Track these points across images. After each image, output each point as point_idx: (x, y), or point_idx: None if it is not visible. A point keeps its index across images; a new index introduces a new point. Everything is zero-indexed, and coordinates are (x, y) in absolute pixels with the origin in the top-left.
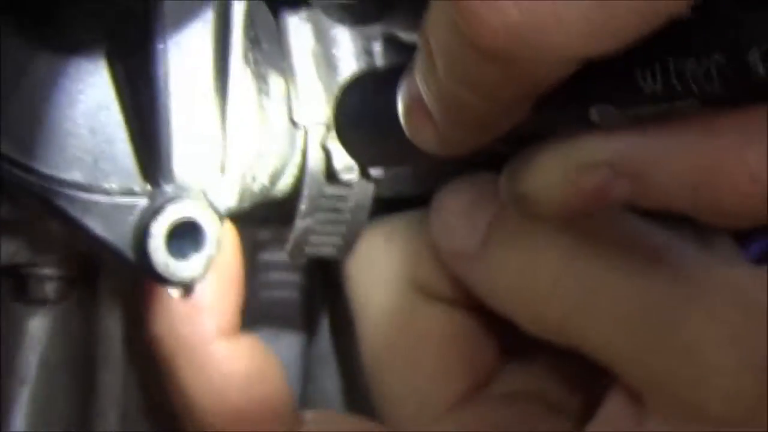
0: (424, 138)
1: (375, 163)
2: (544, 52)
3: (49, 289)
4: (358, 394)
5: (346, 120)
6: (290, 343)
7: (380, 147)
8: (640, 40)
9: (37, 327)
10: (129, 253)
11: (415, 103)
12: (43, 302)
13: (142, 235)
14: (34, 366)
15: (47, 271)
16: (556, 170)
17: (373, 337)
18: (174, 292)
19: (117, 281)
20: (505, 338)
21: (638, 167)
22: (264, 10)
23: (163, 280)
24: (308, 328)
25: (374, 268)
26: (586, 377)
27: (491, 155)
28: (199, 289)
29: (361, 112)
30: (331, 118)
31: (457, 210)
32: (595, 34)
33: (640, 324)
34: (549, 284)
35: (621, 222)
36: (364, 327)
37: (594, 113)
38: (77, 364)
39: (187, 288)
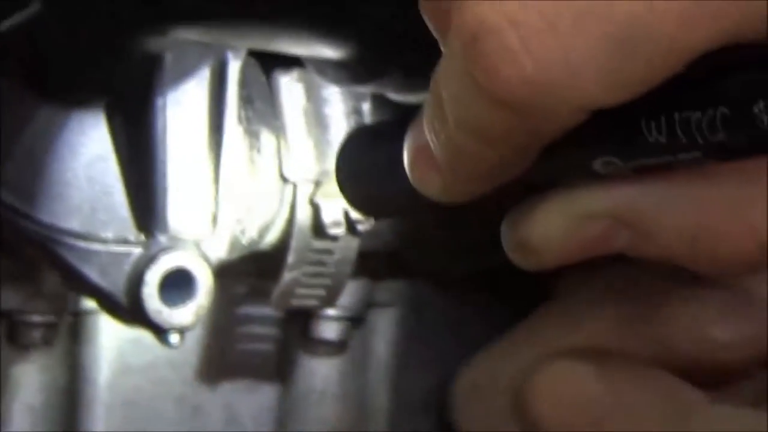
0: (429, 186)
1: (376, 213)
2: (556, 103)
3: (36, 335)
4: None
5: (347, 170)
6: (265, 393)
7: (383, 196)
8: (646, 92)
9: (23, 372)
10: (123, 300)
11: (421, 152)
12: (30, 347)
13: (136, 282)
14: (18, 410)
15: (35, 317)
16: (557, 219)
17: None
18: (174, 338)
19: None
20: None
21: (638, 219)
22: (257, 69)
23: (156, 327)
24: (283, 379)
25: None
26: None
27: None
28: None
29: (364, 161)
30: (320, 175)
31: None
32: (608, 86)
33: None
34: None
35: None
36: None
37: (598, 164)
38: (60, 409)
39: (181, 335)
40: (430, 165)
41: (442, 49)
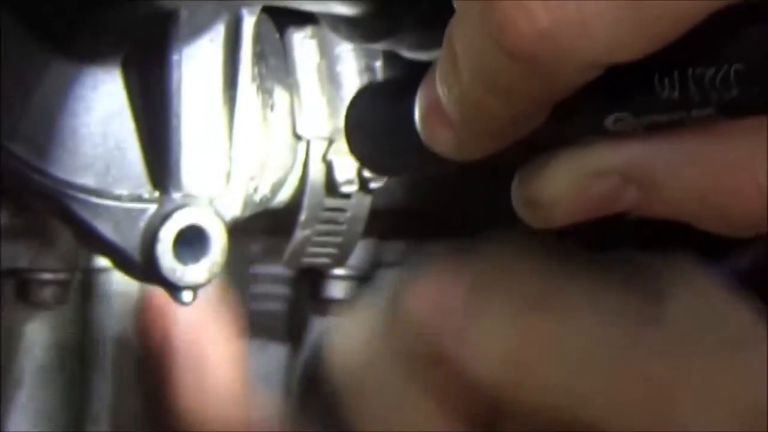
0: (441, 142)
1: (385, 171)
2: (570, 56)
3: (48, 293)
4: None
5: (357, 127)
6: (276, 353)
7: (392, 153)
8: (659, 48)
9: (34, 331)
10: (137, 257)
11: (433, 108)
12: (41, 306)
13: (150, 239)
14: (29, 370)
15: (46, 275)
16: (566, 176)
17: None
18: (187, 296)
19: (111, 286)
20: None
21: (647, 176)
22: (270, 26)
23: (170, 285)
24: (293, 339)
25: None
26: None
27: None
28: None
29: (374, 118)
30: (333, 132)
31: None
32: (622, 40)
33: None
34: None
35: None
36: None
37: (609, 121)
38: (71, 368)
39: (194, 293)
40: (441, 121)
41: (454, 4)
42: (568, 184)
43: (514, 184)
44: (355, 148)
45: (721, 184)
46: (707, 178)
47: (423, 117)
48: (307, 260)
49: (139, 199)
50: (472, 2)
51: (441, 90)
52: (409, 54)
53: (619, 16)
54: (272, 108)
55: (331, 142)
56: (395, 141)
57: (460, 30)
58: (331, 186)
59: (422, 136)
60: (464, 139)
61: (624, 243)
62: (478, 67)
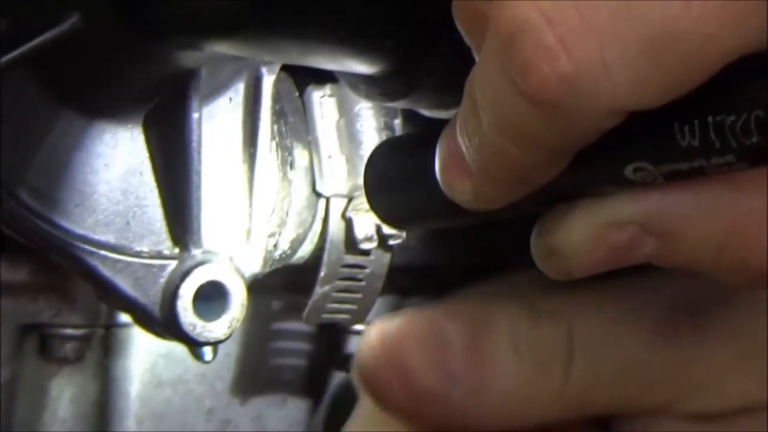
0: (461, 192)
1: (405, 225)
2: (592, 102)
3: (68, 348)
4: None
5: (376, 181)
6: (296, 408)
7: (412, 206)
8: (679, 96)
9: (56, 386)
10: (157, 313)
11: (453, 157)
12: (63, 361)
13: (170, 296)
14: (50, 423)
15: (68, 331)
16: (586, 226)
17: None
18: (207, 354)
19: (132, 342)
20: None
21: (665, 227)
22: (290, 84)
23: (190, 341)
24: (313, 394)
25: None
26: None
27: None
28: None
29: (393, 172)
30: (353, 190)
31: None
32: (644, 87)
33: None
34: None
35: None
36: None
37: (629, 170)
38: (93, 422)
39: (213, 349)
40: (461, 170)
41: (474, 55)
42: (588, 234)
43: (533, 235)
44: (374, 203)
45: (738, 236)
46: (725, 229)
47: (443, 167)
48: (327, 316)
49: (160, 255)
50: (494, 47)
51: (461, 139)
52: (428, 112)
53: (640, 63)
54: (292, 166)
55: (350, 199)
56: (415, 194)
57: (481, 76)
58: (350, 243)
59: (442, 186)
60: (483, 188)
61: None
62: (498, 114)
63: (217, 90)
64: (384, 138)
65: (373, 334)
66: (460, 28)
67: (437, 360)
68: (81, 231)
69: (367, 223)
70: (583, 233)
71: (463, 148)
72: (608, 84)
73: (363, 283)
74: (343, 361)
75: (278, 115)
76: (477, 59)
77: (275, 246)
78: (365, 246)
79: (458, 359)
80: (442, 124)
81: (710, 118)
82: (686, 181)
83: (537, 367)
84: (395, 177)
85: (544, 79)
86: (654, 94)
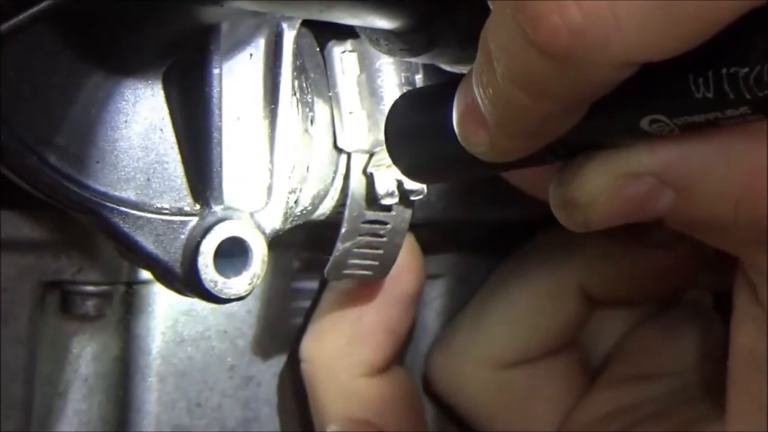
0: (477, 143)
1: (424, 178)
2: (603, 53)
3: (90, 305)
4: None
5: (396, 133)
6: None
7: (431, 158)
8: (693, 48)
9: (77, 343)
10: (178, 269)
11: (469, 109)
12: (84, 318)
13: (191, 252)
14: (72, 380)
15: (89, 288)
16: (603, 177)
17: None
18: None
19: (153, 298)
20: None
21: (682, 179)
22: (310, 40)
23: (211, 297)
24: None
25: None
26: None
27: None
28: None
29: (412, 124)
30: (374, 145)
31: None
32: (655, 38)
33: None
34: None
35: None
36: None
37: (645, 122)
38: (114, 379)
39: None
40: (478, 122)
41: (489, 4)
42: (605, 185)
43: (552, 186)
44: (394, 155)
45: (757, 187)
46: (743, 182)
47: (459, 119)
48: (348, 272)
49: (180, 212)
50: (506, 1)
51: (477, 90)
52: (448, 67)
53: (651, 14)
54: (312, 121)
55: (371, 155)
56: (434, 145)
57: (495, 29)
58: (371, 198)
59: (459, 137)
60: (499, 139)
61: None
62: (511, 66)
63: (237, 46)
64: None
65: None
66: None
67: None
68: (102, 188)
69: (388, 179)
70: (601, 184)
71: (479, 100)
72: (619, 35)
73: (384, 239)
74: None
75: (299, 70)
76: (492, 9)
77: (296, 202)
78: (386, 202)
79: None
80: (461, 77)
81: (724, 70)
82: (703, 133)
83: None
84: (415, 129)
85: (555, 30)
86: (666, 45)
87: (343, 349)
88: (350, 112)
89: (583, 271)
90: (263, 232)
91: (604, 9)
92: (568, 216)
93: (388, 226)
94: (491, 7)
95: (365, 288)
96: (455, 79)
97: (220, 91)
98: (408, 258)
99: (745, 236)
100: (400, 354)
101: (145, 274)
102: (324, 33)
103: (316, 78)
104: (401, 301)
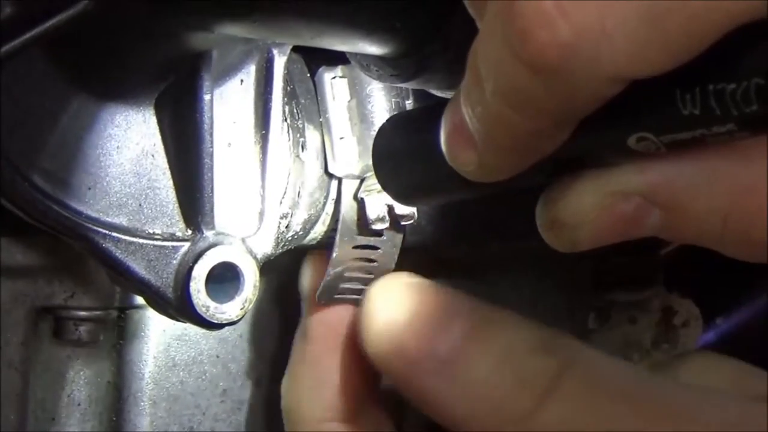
0: (465, 162)
1: (412, 200)
2: (591, 69)
3: (83, 330)
4: None
5: (384, 156)
6: None
7: (419, 180)
8: (681, 65)
9: (70, 368)
10: (170, 294)
11: (457, 129)
12: (77, 343)
13: (183, 277)
14: (64, 405)
15: (81, 313)
16: (591, 196)
17: None
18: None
19: (145, 323)
20: None
21: (670, 198)
22: (301, 66)
23: (203, 322)
24: None
25: None
26: None
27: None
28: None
29: (400, 146)
30: (364, 170)
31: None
32: (643, 54)
33: None
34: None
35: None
36: None
37: (632, 140)
38: (107, 404)
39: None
40: (466, 141)
41: (478, 24)
42: (593, 204)
43: (539, 206)
44: (383, 177)
45: (744, 205)
46: (730, 199)
47: (447, 138)
48: (339, 297)
49: (172, 237)
50: (494, 17)
51: (465, 109)
52: (438, 92)
53: (640, 28)
54: (303, 147)
55: (362, 180)
56: (422, 167)
57: (483, 46)
58: (362, 223)
59: (447, 157)
60: (487, 158)
61: None
62: (500, 82)
63: (228, 72)
64: None
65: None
66: None
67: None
68: (94, 213)
69: (379, 204)
70: (589, 203)
71: (467, 119)
72: (608, 50)
73: (375, 264)
74: None
75: (290, 96)
76: (480, 27)
77: (287, 227)
78: (377, 226)
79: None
80: (447, 101)
81: (711, 86)
82: (690, 151)
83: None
84: (403, 151)
85: (543, 46)
86: (655, 61)
87: (308, 393)
88: (341, 138)
89: None
90: (255, 257)
91: (593, 23)
92: (556, 236)
93: (379, 250)
94: (479, 25)
95: None
96: (441, 102)
97: (212, 117)
98: None
99: (732, 253)
100: (377, 393)
101: (138, 299)
102: (315, 59)
103: (306, 104)
104: None
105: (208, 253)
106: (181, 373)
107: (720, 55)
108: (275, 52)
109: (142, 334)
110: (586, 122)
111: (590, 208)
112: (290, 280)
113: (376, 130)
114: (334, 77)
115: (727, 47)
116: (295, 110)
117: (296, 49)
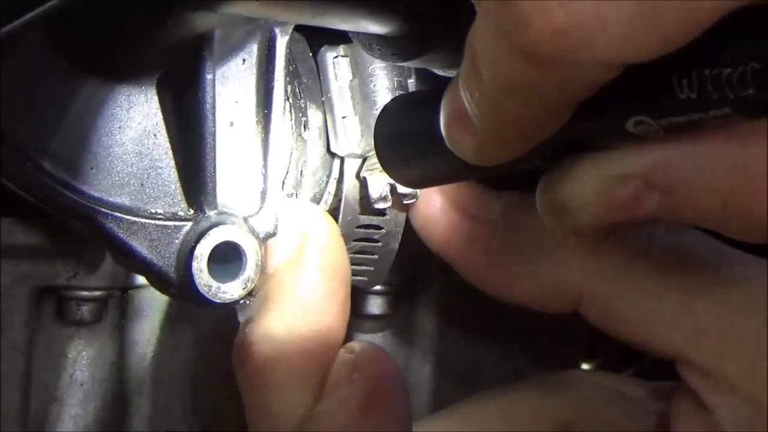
0: (464, 147)
1: (413, 181)
2: (587, 55)
3: (85, 310)
4: None
5: (386, 138)
6: None
7: (420, 162)
8: (677, 50)
9: (73, 348)
10: (172, 274)
11: (456, 113)
12: (80, 323)
13: (186, 257)
14: (67, 386)
15: (84, 293)
16: (590, 180)
17: None
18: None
19: (148, 303)
20: None
21: (669, 181)
22: (303, 45)
23: (205, 301)
24: None
25: None
26: None
27: (525, 172)
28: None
29: (402, 128)
30: (366, 150)
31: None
32: (639, 39)
33: None
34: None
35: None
36: None
37: (630, 124)
38: (110, 384)
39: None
40: (465, 125)
41: (476, 8)
42: (592, 188)
43: (538, 190)
44: (384, 159)
45: (743, 187)
46: (729, 179)
47: (447, 122)
48: None
49: (175, 217)
50: (490, 3)
51: (463, 94)
52: (441, 72)
53: (635, 15)
54: (306, 126)
55: (364, 159)
56: (423, 149)
57: (480, 33)
58: (365, 203)
59: (447, 141)
60: (486, 143)
61: None
62: (496, 69)
63: (230, 52)
64: None
65: None
66: None
67: None
68: (96, 193)
69: (381, 183)
70: (588, 187)
71: (466, 104)
72: (604, 35)
73: (379, 244)
74: (362, 322)
75: (292, 76)
76: (477, 13)
77: None
78: (380, 206)
79: None
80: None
81: (707, 71)
82: (688, 134)
83: None
84: (404, 133)
85: (539, 33)
86: (650, 45)
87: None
88: (343, 117)
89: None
90: (257, 237)
91: (588, 9)
92: (557, 220)
93: (383, 230)
94: (476, 10)
95: None
96: (445, 84)
97: (214, 97)
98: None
99: (733, 234)
100: None
101: (141, 279)
102: (317, 38)
103: (309, 83)
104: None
105: (211, 232)
106: (185, 353)
107: (716, 39)
108: (277, 31)
109: (145, 314)
110: (585, 107)
111: (590, 192)
112: None
113: (379, 109)
114: (336, 56)
115: (723, 32)
116: (297, 89)
117: (298, 29)
